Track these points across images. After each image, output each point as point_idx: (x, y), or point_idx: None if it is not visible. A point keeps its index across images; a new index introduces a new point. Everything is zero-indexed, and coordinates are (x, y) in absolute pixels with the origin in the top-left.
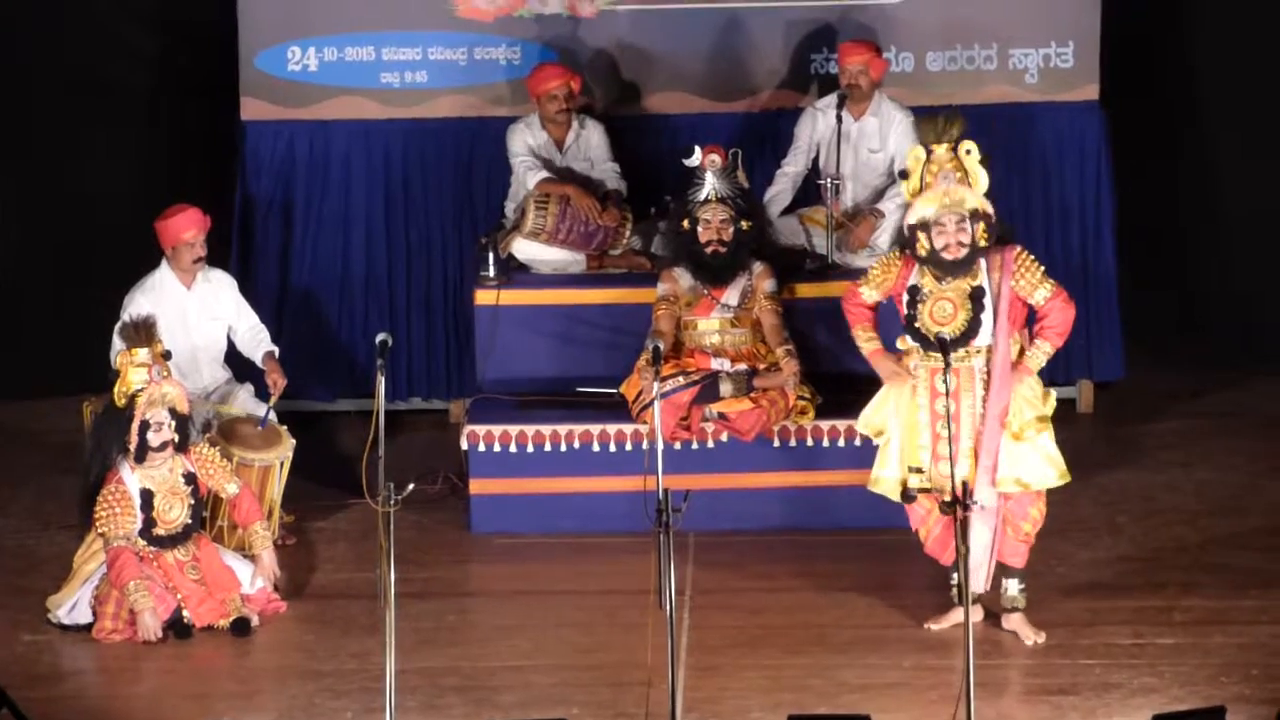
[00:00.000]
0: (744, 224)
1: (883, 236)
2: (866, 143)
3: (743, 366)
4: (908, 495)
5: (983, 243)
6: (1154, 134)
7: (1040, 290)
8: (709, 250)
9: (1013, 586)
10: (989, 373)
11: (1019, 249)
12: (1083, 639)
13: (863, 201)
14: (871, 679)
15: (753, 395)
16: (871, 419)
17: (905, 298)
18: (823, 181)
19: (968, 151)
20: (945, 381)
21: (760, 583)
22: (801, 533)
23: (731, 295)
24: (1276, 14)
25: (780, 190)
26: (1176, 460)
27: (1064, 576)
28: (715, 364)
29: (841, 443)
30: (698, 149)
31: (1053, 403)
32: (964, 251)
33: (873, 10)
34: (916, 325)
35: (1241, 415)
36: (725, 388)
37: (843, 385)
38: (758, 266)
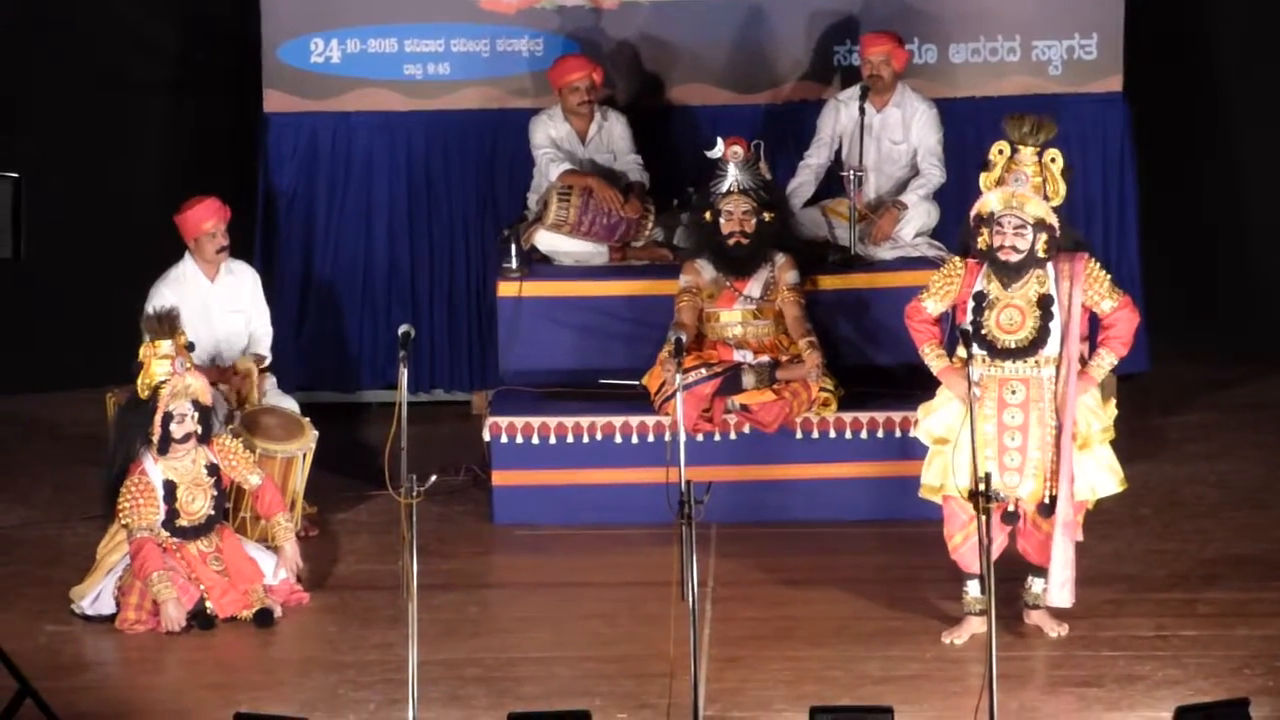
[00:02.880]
0: (766, 215)
1: (906, 228)
2: (889, 134)
3: (765, 358)
4: (989, 501)
5: (1041, 254)
6: (1178, 125)
7: (1108, 300)
8: (731, 242)
9: (1039, 585)
10: (1057, 383)
11: (1089, 258)
12: (1106, 631)
13: (885, 193)
14: (894, 670)
15: (775, 387)
16: (934, 429)
17: (970, 304)
18: (845, 173)
19: (1052, 160)
20: (969, 353)
21: (782, 574)
22: (823, 525)
23: (754, 287)
24: None
25: (803, 182)
26: (1200, 453)
27: (1087, 569)
28: (738, 356)
29: (864, 435)
30: (720, 140)
31: (1113, 410)
32: (1017, 257)
33: (895, 2)
34: (983, 333)
35: (1265, 407)
36: (748, 379)
37: (865, 377)
38: (780, 258)
